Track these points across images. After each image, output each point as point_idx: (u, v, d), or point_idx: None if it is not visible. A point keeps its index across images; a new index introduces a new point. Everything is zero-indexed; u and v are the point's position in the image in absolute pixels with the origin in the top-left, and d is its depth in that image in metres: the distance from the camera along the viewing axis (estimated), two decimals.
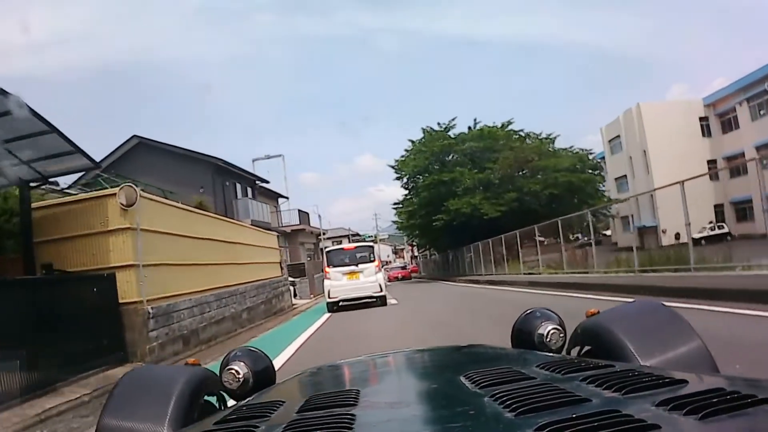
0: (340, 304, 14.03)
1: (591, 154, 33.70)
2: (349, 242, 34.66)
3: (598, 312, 1.30)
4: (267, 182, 33.30)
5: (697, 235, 27.65)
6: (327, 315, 13.44)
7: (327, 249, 14.54)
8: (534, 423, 0.56)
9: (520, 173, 28.50)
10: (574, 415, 0.56)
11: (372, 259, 14.00)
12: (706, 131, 38.32)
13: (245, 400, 1.04)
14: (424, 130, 31.26)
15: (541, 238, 23.56)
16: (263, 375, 1.37)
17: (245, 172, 28.74)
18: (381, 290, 13.69)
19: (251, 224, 19.55)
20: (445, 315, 10.52)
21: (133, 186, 7.56)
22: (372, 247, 14.69)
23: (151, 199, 8.49)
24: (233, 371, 1.31)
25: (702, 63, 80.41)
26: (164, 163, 24.30)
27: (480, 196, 27.86)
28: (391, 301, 15.13)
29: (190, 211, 10.06)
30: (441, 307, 12.40)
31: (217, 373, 1.35)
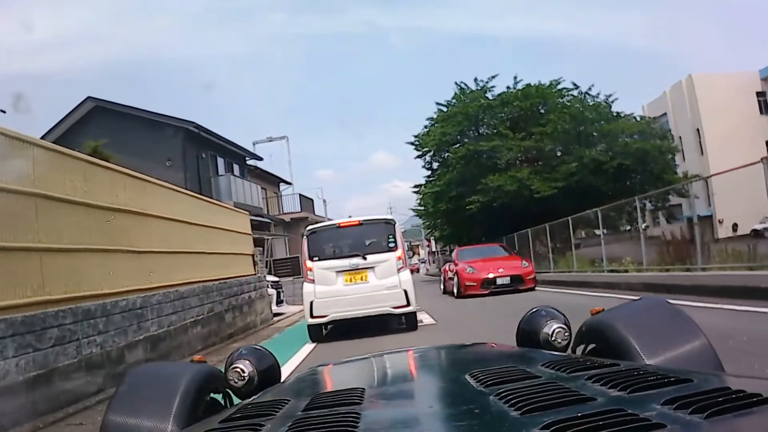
0: (339, 323, 8.02)
1: (656, 122, 27.26)
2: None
3: (603, 310, 1.26)
4: (260, 159, 27.27)
5: (759, 226, 22.56)
6: (310, 346, 7.45)
7: (309, 228, 8.24)
8: (539, 422, 0.55)
9: (578, 142, 22.10)
10: (579, 414, 0.55)
11: (391, 245, 7.68)
12: (763, 108, 33.91)
13: (250, 399, 1.04)
14: (457, 84, 24.75)
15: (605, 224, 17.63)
16: (268, 373, 1.35)
17: (229, 143, 22.61)
18: (407, 302, 7.40)
19: (234, 206, 13.82)
20: None
21: None
22: (391, 224, 8.07)
23: None
24: (238, 370, 1.28)
25: (709, 60, 74.52)
26: (127, 131, 19.01)
27: (528, 170, 21.54)
28: (423, 317, 9.02)
29: None
30: None
31: (224, 371, 1.32)
